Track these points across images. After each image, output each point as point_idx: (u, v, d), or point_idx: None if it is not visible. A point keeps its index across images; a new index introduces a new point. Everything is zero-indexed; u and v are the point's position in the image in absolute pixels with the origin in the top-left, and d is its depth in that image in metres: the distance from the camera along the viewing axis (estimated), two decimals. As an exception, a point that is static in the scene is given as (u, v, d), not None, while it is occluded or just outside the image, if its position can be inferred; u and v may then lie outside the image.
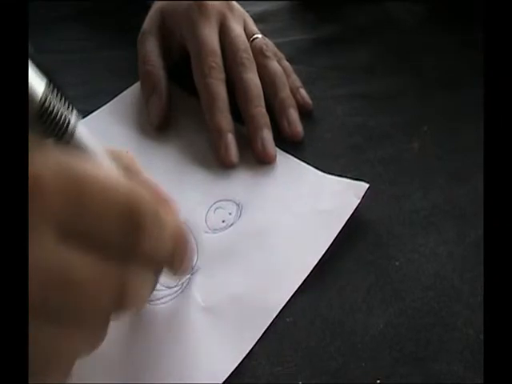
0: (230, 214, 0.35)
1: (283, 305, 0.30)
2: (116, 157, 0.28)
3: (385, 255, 0.33)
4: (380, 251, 0.33)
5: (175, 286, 0.31)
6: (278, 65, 0.44)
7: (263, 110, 0.40)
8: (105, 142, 0.40)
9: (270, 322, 0.30)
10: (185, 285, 0.32)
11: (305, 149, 0.40)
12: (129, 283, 0.23)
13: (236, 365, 0.28)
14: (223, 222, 0.35)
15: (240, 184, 0.37)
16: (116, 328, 0.29)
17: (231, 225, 0.35)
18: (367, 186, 0.35)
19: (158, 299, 0.31)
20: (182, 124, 0.42)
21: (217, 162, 0.38)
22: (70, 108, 0.23)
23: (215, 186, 0.37)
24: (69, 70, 0.49)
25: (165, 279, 0.32)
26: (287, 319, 0.30)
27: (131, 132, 0.41)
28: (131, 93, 0.45)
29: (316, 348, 0.29)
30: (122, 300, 0.23)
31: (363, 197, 0.35)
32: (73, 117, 0.23)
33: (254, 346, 0.29)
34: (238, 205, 0.36)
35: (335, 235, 0.33)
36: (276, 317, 0.30)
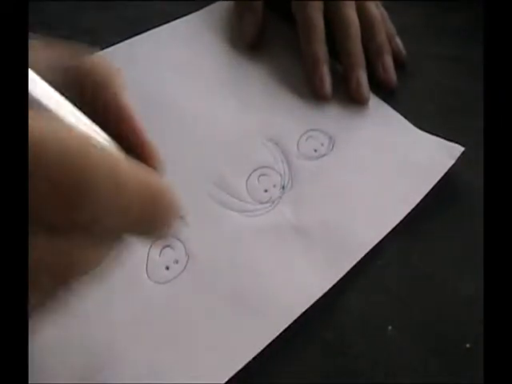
0: (322, 144, 0.34)
1: (373, 245, 0.29)
2: (92, 71, 0.22)
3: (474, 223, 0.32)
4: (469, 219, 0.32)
5: (266, 202, 0.31)
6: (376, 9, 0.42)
7: (361, 49, 0.39)
8: (193, 48, 0.39)
9: (359, 259, 0.29)
10: (276, 202, 0.31)
11: (394, 101, 0.39)
12: (71, 256, 0.18)
13: (323, 292, 0.27)
14: (315, 151, 0.34)
15: (332, 117, 0.36)
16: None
17: (323, 155, 0.33)
18: (462, 149, 0.34)
19: (250, 211, 0.30)
20: (274, 47, 0.40)
21: (310, 92, 0.37)
22: None
23: (307, 115, 0.36)
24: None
25: (255, 193, 0.31)
26: (378, 262, 0.29)
27: (222, 44, 0.40)
28: (223, 5, 0.42)
29: (406, 298, 0.28)
30: (64, 276, 0.19)
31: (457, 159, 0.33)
32: None
33: (344, 280, 0.28)
34: (330, 138, 0.34)
35: (427, 190, 0.32)
36: (366, 257, 0.29)
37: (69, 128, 0.19)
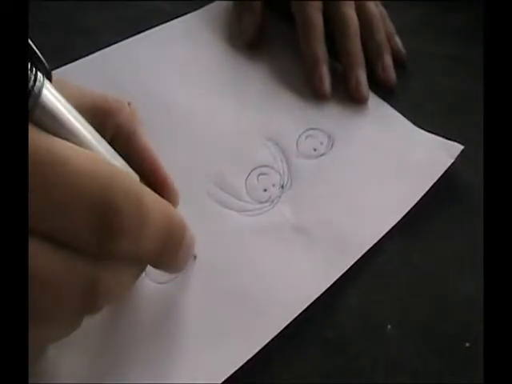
0: (321, 143, 0.34)
1: (373, 244, 0.29)
2: (106, 113, 0.24)
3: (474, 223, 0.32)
4: (469, 218, 0.32)
5: (266, 202, 0.31)
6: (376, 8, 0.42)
7: (361, 48, 0.39)
8: (192, 48, 0.39)
9: (359, 257, 0.29)
10: (275, 201, 0.31)
11: (394, 100, 0.39)
12: (100, 282, 0.20)
13: (323, 291, 0.27)
14: (314, 150, 0.34)
15: (332, 117, 0.36)
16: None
17: (322, 154, 0.33)
18: (462, 147, 0.34)
19: (250, 211, 0.30)
20: (273, 47, 0.40)
21: (309, 91, 0.37)
22: (33, 67, 0.17)
23: (307, 114, 0.36)
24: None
25: (254, 193, 0.31)
26: (378, 261, 0.29)
27: (221, 43, 0.40)
28: (221, 5, 0.42)
29: (406, 297, 0.28)
30: (92, 299, 0.20)
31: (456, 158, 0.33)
32: (37, 78, 0.17)
33: (344, 279, 0.28)
34: (329, 136, 0.34)
35: (427, 189, 0.32)
36: (366, 256, 0.29)
37: (100, 157, 0.20)
